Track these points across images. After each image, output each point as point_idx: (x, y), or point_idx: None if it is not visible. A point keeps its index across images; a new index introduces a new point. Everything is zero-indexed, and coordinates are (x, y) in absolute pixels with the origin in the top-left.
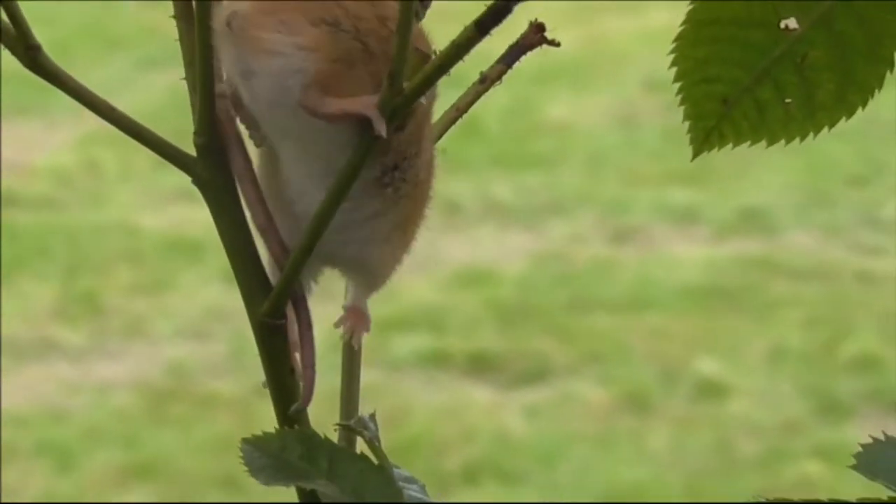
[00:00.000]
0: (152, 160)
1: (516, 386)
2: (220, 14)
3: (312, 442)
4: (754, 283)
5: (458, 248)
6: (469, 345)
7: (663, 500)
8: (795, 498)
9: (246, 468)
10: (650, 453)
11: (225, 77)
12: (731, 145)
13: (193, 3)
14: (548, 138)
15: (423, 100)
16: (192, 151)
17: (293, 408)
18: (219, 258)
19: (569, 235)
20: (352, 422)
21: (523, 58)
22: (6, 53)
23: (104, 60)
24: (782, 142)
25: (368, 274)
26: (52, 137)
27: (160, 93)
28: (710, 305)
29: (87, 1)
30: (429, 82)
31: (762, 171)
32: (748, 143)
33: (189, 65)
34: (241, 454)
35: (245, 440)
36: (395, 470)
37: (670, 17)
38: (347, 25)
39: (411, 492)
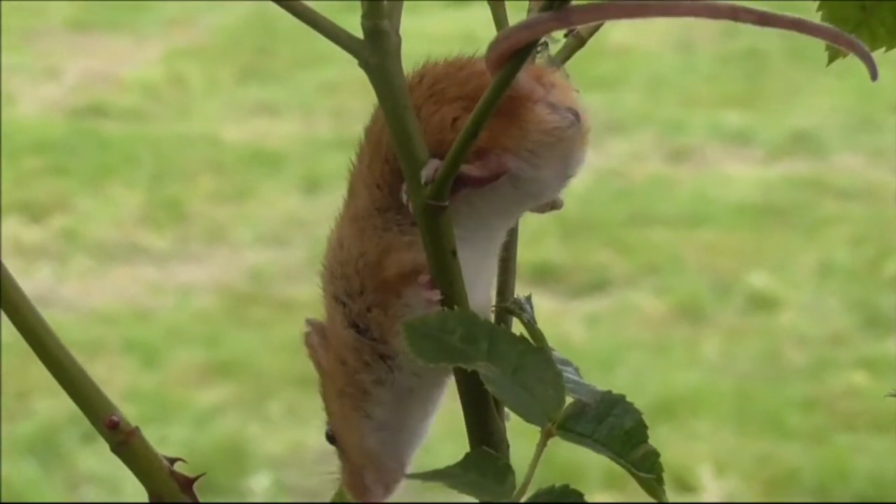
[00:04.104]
0: (235, 75)
1: (577, 295)
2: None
3: (473, 323)
4: (804, 201)
5: None
6: (534, 256)
7: (714, 404)
8: (841, 405)
9: (409, 349)
10: (703, 360)
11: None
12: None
13: None
14: (610, 62)
15: None
16: (273, 69)
17: None
18: (298, 169)
19: (628, 153)
20: (509, 303)
21: None
22: None
23: None
24: (832, 68)
25: None
26: (141, 52)
27: (244, 11)
28: (761, 222)
29: None
30: None
31: (812, 95)
32: (883, 49)
33: None
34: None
35: (407, 323)
36: (553, 353)
37: None
38: None
39: (568, 374)
